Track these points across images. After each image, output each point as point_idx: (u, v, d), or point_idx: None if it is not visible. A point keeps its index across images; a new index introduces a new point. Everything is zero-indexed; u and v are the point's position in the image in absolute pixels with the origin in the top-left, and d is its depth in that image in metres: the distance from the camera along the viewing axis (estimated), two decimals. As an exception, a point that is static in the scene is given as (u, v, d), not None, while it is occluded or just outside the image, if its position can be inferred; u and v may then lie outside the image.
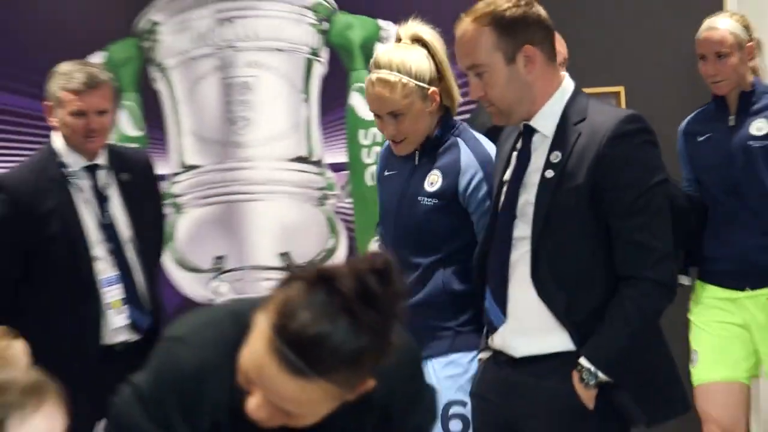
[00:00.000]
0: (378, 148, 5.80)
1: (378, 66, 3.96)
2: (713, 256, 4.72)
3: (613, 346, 3.32)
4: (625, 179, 3.30)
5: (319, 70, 5.91)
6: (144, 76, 5.94)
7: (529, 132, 3.42)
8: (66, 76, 4.49)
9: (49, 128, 4.60)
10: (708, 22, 4.83)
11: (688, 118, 4.91)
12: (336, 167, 5.95)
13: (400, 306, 2.30)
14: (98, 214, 4.53)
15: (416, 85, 3.92)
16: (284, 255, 5.91)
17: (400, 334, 2.43)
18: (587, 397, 3.33)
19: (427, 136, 4.00)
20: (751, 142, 4.73)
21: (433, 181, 3.98)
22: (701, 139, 4.78)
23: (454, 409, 3.89)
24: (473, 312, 3.90)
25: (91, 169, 4.54)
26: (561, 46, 5.10)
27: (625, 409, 3.39)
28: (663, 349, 3.49)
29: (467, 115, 5.00)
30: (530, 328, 3.39)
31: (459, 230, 3.96)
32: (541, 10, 3.40)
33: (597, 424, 3.38)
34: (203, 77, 5.93)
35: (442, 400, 3.63)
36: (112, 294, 4.50)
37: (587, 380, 3.31)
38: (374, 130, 5.81)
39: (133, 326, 4.54)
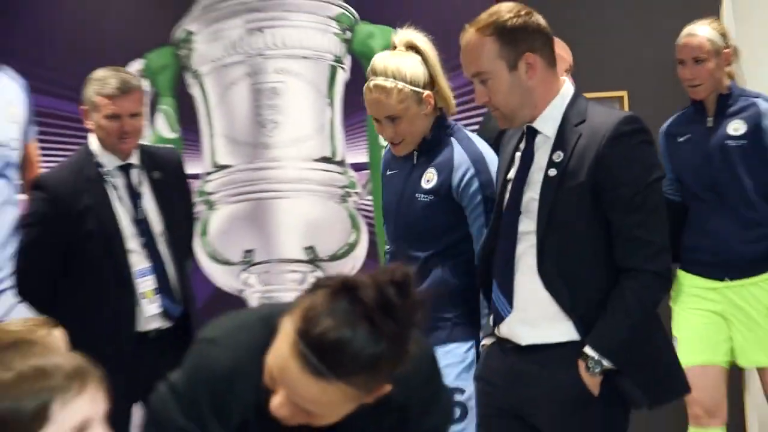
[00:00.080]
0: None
1: (375, 73, 3.98)
2: (695, 248, 4.72)
3: (616, 335, 3.32)
4: (624, 177, 3.31)
5: (342, 76, 5.91)
6: (180, 82, 5.96)
7: (532, 133, 3.42)
8: (101, 82, 4.52)
9: (86, 130, 4.64)
10: (687, 29, 4.85)
11: (669, 120, 4.93)
12: (357, 167, 5.96)
13: (418, 316, 2.31)
14: (132, 210, 4.56)
15: (411, 89, 3.94)
16: (309, 249, 5.92)
17: (419, 341, 2.44)
18: (593, 384, 3.34)
19: (424, 137, 4.01)
20: (728, 142, 4.76)
21: (429, 178, 4.00)
22: (681, 139, 4.80)
23: (453, 397, 3.86)
24: (470, 304, 3.92)
25: (125, 168, 4.58)
26: (567, 54, 5.10)
27: (628, 394, 3.39)
28: (661, 335, 3.49)
29: (479, 118, 5.02)
30: (536, 317, 3.39)
31: (454, 225, 3.98)
32: (540, 19, 3.40)
33: (602, 409, 3.38)
34: (234, 83, 5.94)
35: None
36: (145, 284, 4.53)
37: (593, 368, 3.31)
38: (394, 131, 5.85)
39: (165, 314, 4.57)
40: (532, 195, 3.38)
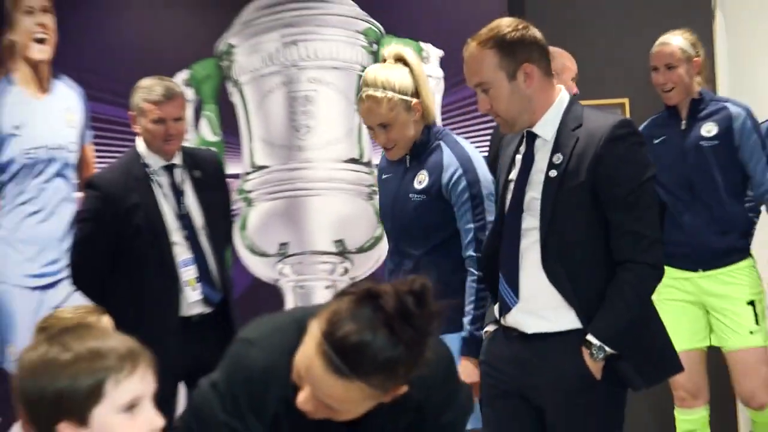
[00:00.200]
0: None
1: (366, 84, 3.99)
2: (671, 241, 4.67)
3: (617, 324, 3.32)
4: (619, 177, 3.31)
5: (368, 85, 5.92)
6: (222, 90, 5.95)
7: (531, 137, 3.42)
8: (147, 89, 4.55)
9: (136, 134, 4.67)
10: (661, 39, 4.89)
11: (645, 123, 4.92)
12: (382, 168, 5.96)
13: (435, 325, 2.34)
14: (175, 206, 4.59)
15: (400, 98, 3.95)
16: (338, 242, 5.90)
17: (436, 346, 2.46)
18: (596, 369, 3.33)
19: (415, 141, 4.03)
20: (702, 143, 4.79)
21: (421, 179, 4.01)
22: (657, 141, 4.81)
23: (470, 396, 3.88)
24: (460, 299, 3.92)
25: (169, 168, 4.61)
26: (572, 64, 5.10)
27: (627, 376, 3.39)
28: (655, 320, 3.49)
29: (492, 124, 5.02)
30: (540, 308, 3.39)
31: (445, 222, 3.99)
32: (536, 33, 3.41)
33: (603, 392, 3.38)
34: (271, 91, 5.93)
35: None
36: (188, 273, 4.57)
37: (596, 355, 3.31)
38: (416, 135, 5.85)
39: (206, 301, 4.60)
40: (533, 195, 3.38)
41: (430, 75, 5.78)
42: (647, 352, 3.43)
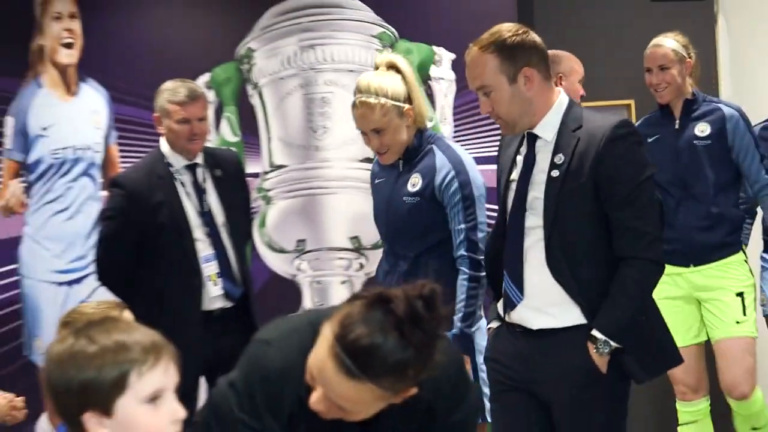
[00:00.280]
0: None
1: (360, 91, 3.97)
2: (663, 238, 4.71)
3: (621, 318, 3.30)
4: (620, 176, 3.29)
5: (383, 87, 5.92)
6: (242, 93, 5.95)
7: (532, 139, 3.40)
8: (171, 91, 4.55)
9: (159, 135, 4.67)
10: (654, 41, 4.89)
11: (638, 122, 4.92)
12: (397, 167, 5.95)
13: (443, 328, 2.34)
14: (197, 204, 4.59)
15: (393, 104, 3.92)
16: (354, 238, 5.90)
17: (446, 348, 2.46)
18: (602, 363, 3.31)
19: (407, 146, 4.02)
20: (696, 142, 4.78)
21: (415, 182, 4.00)
22: (651, 140, 4.77)
23: (481, 396, 3.84)
24: (453, 299, 3.91)
25: (191, 168, 4.61)
26: (579, 66, 5.10)
27: (630, 369, 3.38)
28: (654, 313, 3.47)
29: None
30: (545, 304, 3.37)
31: (439, 223, 3.98)
32: (536, 37, 3.39)
33: (608, 385, 3.36)
34: (289, 93, 5.93)
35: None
36: (209, 269, 4.56)
37: (601, 349, 3.29)
38: (428, 136, 5.84)
39: (227, 295, 4.59)
40: (535, 194, 3.36)
41: (442, 77, 5.79)
42: (648, 345, 3.42)
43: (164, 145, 4.61)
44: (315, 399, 2.39)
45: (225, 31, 6.01)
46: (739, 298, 4.79)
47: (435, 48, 5.85)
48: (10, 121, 5.92)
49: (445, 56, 5.82)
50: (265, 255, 5.92)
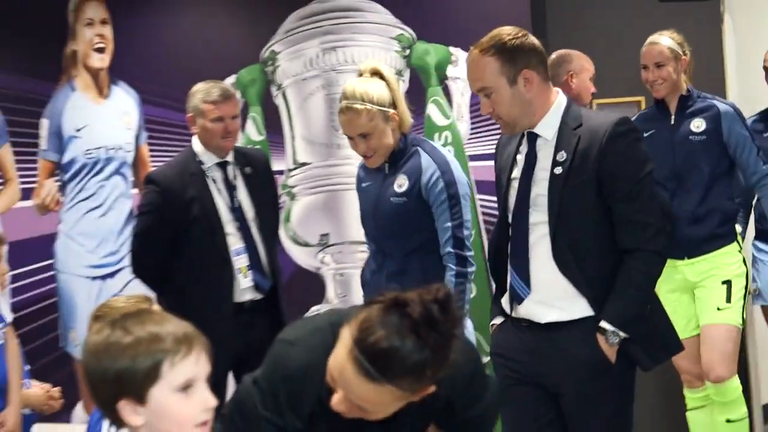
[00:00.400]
0: (450, 148, 5.81)
1: (346, 97, 3.97)
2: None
3: (629, 309, 3.29)
4: (622, 172, 3.28)
5: (403, 87, 5.88)
6: (266, 94, 5.94)
7: (532, 138, 3.38)
8: (205, 92, 4.57)
9: (187, 134, 4.67)
10: (650, 39, 4.87)
11: (634, 117, 4.80)
12: (415, 163, 5.94)
13: (458, 330, 2.33)
14: (228, 199, 4.59)
15: (378, 109, 3.93)
16: (375, 233, 5.91)
17: (463, 347, 2.47)
18: (611, 353, 3.30)
19: (393, 149, 4.01)
20: (691, 137, 4.75)
21: (401, 183, 4.00)
22: (647, 135, 4.70)
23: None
24: None
25: (222, 165, 4.62)
26: (589, 65, 5.09)
27: (636, 357, 3.37)
28: (657, 303, 3.46)
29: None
30: (552, 298, 3.34)
31: (425, 222, 3.98)
32: (535, 40, 3.37)
33: (617, 375, 3.35)
34: (312, 94, 5.92)
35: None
36: (240, 261, 4.56)
37: (611, 340, 3.27)
38: (446, 133, 5.82)
39: (257, 287, 4.59)
40: (538, 191, 3.35)
41: (458, 77, 5.77)
42: (651, 333, 3.40)
43: (196, 144, 4.61)
44: (336, 400, 2.40)
45: (250, 34, 6.01)
46: (725, 286, 4.74)
47: (451, 48, 5.83)
48: (45, 123, 5.94)
49: (461, 56, 5.79)
50: (290, 249, 5.91)
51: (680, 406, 5.02)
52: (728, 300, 4.74)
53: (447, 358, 2.34)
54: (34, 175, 5.97)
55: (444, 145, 5.82)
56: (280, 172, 5.88)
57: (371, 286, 4.13)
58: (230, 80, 5.86)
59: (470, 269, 4.00)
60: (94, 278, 5.96)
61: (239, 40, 6.03)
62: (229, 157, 4.63)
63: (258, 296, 4.59)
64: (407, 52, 5.89)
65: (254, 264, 4.58)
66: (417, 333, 2.28)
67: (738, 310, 4.76)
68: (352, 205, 5.87)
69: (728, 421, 4.71)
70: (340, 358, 2.34)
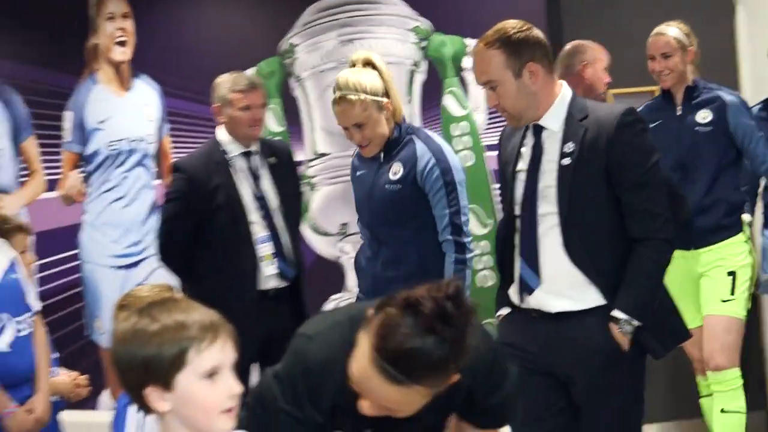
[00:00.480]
0: (467, 138, 5.81)
1: (339, 88, 3.98)
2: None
3: (641, 297, 3.27)
4: (630, 161, 3.27)
5: (420, 78, 5.89)
6: (285, 86, 5.94)
7: (538, 130, 3.36)
8: (232, 81, 4.59)
9: (208, 126, 4.68)
10: (657, 29, 4.84)
11: (640, 108, 4.79)
12: (433, 153, 5.93)
13: (472, 320, 2.33)
14: (253, 188, 4.60)
15: (372, 99, 3.93)
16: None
17: (479, 333, 2.48)
18: (625, 342, 3.27)
19: (388, 138, 4.00)
20: (697, 128, 4.71)
21: (396, 171, 3.99)
22: (652, 125, 4.65)
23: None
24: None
25: (247, 155, 4.62)
26: (604, 55, 5.07)
27: (648, 345, 3.35)
28: (664, 291, 3.43)
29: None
30: (564, 288, 3.31)
31: (421, 209, 3.98)
32: (539, 33, 3.35)
33: (629, 363, 3.33)
34: (330, 85, 5.73)
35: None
36: (264, 249, 4.57)
37: (625, 328, 3.25)
38: (463, 123, 5.81)
39: (281, 275, 4.60)
40: (546, 183, 3.32)
41: (475, 68, 5.76)
42: (660, 321, 3.38)
43: (221, 134, 4.62)
44: (365, 407, 2.41)
45: (268, 27, 6.02)
46: (730, 278, 4.71)
47: (467, 40, 5.81)
48: (68, 116, 5.96)
49: (477, 48, 5.79)
50: (310, 238, 5.92)
51: (690, 392, 5.00)
52: (732, 292, 4.70)
53: (466, 348, 2.34)
54: (58, 167, 5.99)
55: (461, 136, 5.82)
56: (300, 163, 5.88)
57: (366, 272, 4.13)
58: (250, 72, 5.86)
59: (469, 255, 4.00)
60: (119, 268, 5.99)
61: (258, 33, 6.04)
62: (254, 147, 4.63)
63: (282, 284, 4.59)
64: (424, 43, 5.88)
65: (278, 252, 4.58)
66: (434, 331, 2.28)
67: (742, 302, 4.73)
68: (370, 194, 5.89)
69: (722, 411, 4.66)
70: (363, 366, 2.35)
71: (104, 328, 5.93)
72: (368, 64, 4.03)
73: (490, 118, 5.82)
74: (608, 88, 5.19)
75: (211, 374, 2.02)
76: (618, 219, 3.30)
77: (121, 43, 5.97)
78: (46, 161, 6.02)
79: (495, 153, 5.67)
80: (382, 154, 4.05)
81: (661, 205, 3.31)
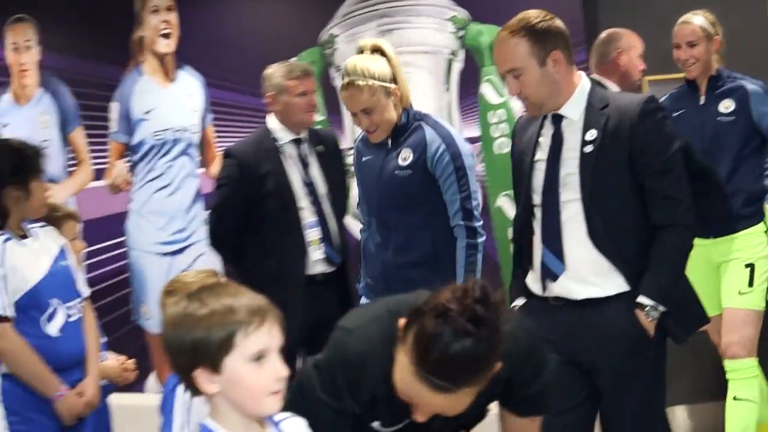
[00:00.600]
0: (504, 126, 5.79)
1: (347, 73, 3.95)
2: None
3: (666, 283, 3.25)
4: (654, 148, 3.24)
5: (458, 66, 5.88)
6: (325, 76, 5.95)
7: (557, 119, 3.33)
8: (287, 69, 4.60)
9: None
10: (683, 18, 4.78)
11: (663, 97, 4.74)
12: (471, 140, 5.90)
13: (502, 311, 2.35)
14: (302, 175, 4.59)
15: (380, 85, 3.90)
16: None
17: (521, 325, 2.54)
18: (651, 327, 3.24)
19: (395, 124, 3.98)
20: (720, 118, 4.66)
21: (406, 156, 3.97)
22: (675, 114, 4.63)
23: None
24: (451, 269, 3.88)
25: (297, 142, 4.62)
26: (638, 42, 5.03)
27: (671, 330, 3.32)
28: (684, 277, 3.40)
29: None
30: (588, 275, 3.28)
31: (431, 194, 3.95)
32: (561, 23, 3.33)
33: (653, 348, 3.30)
34: None
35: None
36: (312, 234, 4.56)
37: (651, 314, 3.22)
38: (500, 111, 5.80)
39: (328, 260, 4.60)
40: (568, 171, 3.29)
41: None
42: (682, 306, 3.36)
43: (272, 122, 4.63)
44: (419, 417, 2.44)
45: (309, 18, 6.02)
46: (748, 270, 4.63)
47: (503, 29, 5.80)
48: (115, 107, 6.00)
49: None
50: (351, 225, 5.93)
51: (714, 374, 4.95)
52: (750, 284, 4.63)
53: (501, 340, 2.35)
54: (105, 157, 6.04)
55: (498, 123, 5.80)
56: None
57: (376, 258, 4.11)
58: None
59: (480, 240, 3.98)
60: (164, 255, 6.02)
61: (299, 24, 6.04)
62: (303, 135, 4.64)
63: (329, 269, 4.58)
64: (461, 33, 5.87)
65: (325, 237, 4.58)
66: (468, 334, 2.29)
67: (761, 294, 4.65)
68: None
69: (735, 398, 4.61)
70: (408, 381, 2.37)
71: (150, 314, 5.98)
72: (377, 50, 4.01)
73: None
74: (643, 75, 5.16)
75: (258, 357, 2.02)
76: (641, 206, 3.27)
77: (166, 36, 6.00)
78: (93, 151, 6.06)
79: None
80: (389, 140, 4.03)
81: (684, 192, 3.29)
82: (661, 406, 3.42)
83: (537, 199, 3.37)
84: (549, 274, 3.36)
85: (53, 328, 3.72)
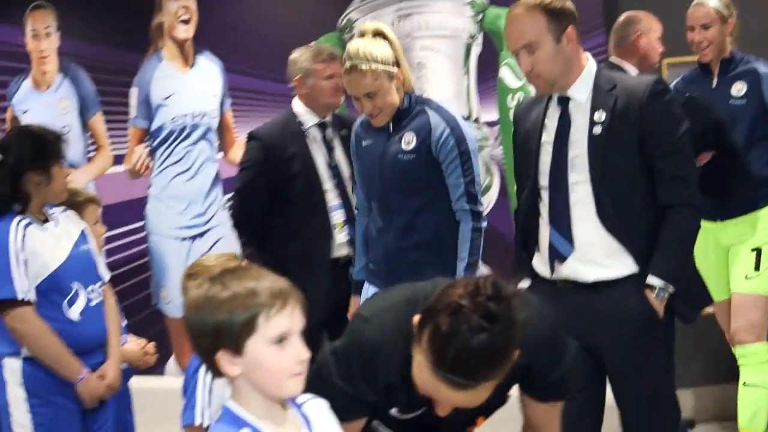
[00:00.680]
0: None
1: (350, 57, 3.89)
2: None
3: (675, 263, 3.24)
4: (662, 129, 3.23)
5: (476, 50, 5.87)
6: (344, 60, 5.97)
7: (564, 101, 3.31)
8: (314, 52, 4.55)
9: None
10: (697, 0, 4.71)
11: (676, 80, 4.72)
12: (490, 124, 5.91)
13: (516, 303, 2.32)
14: (327, 158, 4.56)
15: (382, 68, 3.85)
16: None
17: (540, 312, 2.52)
18: (661, 308, 3.23)
19: (398, 108, 3.95)
20: (732, 101, 4.59)
21: (409, 140, 3.93)
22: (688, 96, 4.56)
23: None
24: (453, 252, 3.87)
25: (322, 126, 4.59)
26: (657, 24, 4.99)
27: (679, 310, 3.30)
28: (691, 257, 3.39)
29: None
30: (598, 256, 3.26)
31: (434, 178, 3.91)
32: (572, 4, 3.32)
33: (663, 329, 3.28)
34: None
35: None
36: (336, 217, 4.54)
37: (661, 295, 3.21)
38: (519, 95, 5.77)
39: (351, 242, 4.58)
40: (576, 152, 3.27)
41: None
42: (689, 286, 3.34)
43: (297, 105, 4.60)
44: (441, 412, 2.44)
45: (327, 3, 6.03)
46: (754, 253, 4.56)
47: (522, 13, 5.78)
48: (134, 92, 6.01)
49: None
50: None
51: (724, 357, 4.93)
52: (757, 268, 4.59)
53: (516, 331, 2.33)
54: (125, 142, 6.04)
55: (516, 107, 5.78)
56: (359, 136, 5.89)
57: (378, 242, 4.09)
58: (310, 47, 5.87)
59: (483, 224, 3.96)
60: (183, 239, 6.03)
61: (317, 9, 6.04)
62: (328, 119, 4.61)
63: (352, 252, 4.58)
64: (480, 17, 5.86)
65: (349, 219, 4.56)
66: (483, 330, 2.26)
67: (767, 278, 4.60)
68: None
69: (744, 384, 4.57)
70: (427, 380, 2.35)
71: (170, 298, 5.98)
72: (379, 34, 3.98)
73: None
74: (662, 58, 5.12)
75: (280, 340, 2.01)
76: (649, 187, 3.26)
77: (185, 21, 6.00)
78: (112, 137, 6.07)
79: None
80: (390, 124, 4.00)
81: (691, 173, 3.29)
82: (672, 387, 3.40)
83: (544, 181, 3.36)
84: (557, 256, 3.33)
85: (74, 312, 3.72)
